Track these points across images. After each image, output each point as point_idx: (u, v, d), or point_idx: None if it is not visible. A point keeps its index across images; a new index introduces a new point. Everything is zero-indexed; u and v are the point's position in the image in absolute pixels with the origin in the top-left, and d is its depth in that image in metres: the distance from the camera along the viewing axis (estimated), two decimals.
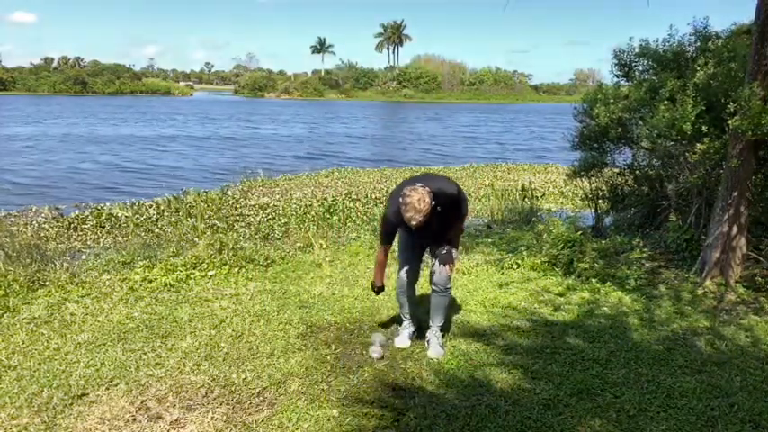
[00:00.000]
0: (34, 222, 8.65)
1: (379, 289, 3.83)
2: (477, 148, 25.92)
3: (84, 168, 17.14)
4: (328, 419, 2.94)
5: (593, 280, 5.06)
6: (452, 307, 4.51)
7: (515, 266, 5.57)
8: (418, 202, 3.19)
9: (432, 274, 3.74)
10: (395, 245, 3.81)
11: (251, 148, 23.95)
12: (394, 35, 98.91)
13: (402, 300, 3.89)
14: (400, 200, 3.26)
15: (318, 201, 10.78)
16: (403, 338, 3.86)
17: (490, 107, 71.28)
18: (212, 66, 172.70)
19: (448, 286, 3.73)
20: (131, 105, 56.07)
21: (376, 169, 16.47)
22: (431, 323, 3.82)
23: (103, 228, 8.39)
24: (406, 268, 3.78)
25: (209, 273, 5.30)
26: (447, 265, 3.61)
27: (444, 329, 3.91)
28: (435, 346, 3.73)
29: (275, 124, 37.98)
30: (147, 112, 46.31)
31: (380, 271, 3.77)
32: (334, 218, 9.03)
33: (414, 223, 3.25)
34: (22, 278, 4.85)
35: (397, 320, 4.25)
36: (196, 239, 6.27)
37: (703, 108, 5.09)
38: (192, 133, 30.00)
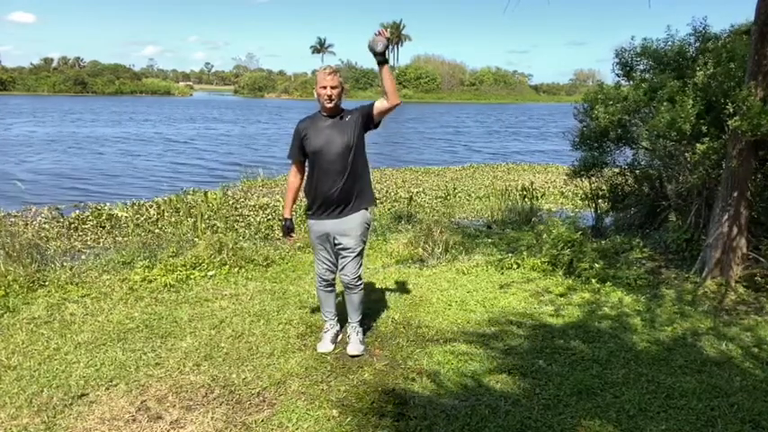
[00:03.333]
0: (34, 222, 8.64)
1: (286, 227, 3.76)
2: (447, 150, 24.64)
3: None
4: (328, 419, 2.93)
5: (594, 280, 5.05)
6: (452, 308, 4.52)
7: (515, 267, 5.57)
8: (330, 65, 3.53)
9: (340, 270, 3.70)
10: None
11: (198, 150, 22.70)
12: (393, 35, 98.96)
13: (322, 296, 3.82)
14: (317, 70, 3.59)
15: None
16: (325, 343, 3.77)
17: (485, 108, 70.88)
18: (212, 66, 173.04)
19: (358, 283, 3.69)
20: (115, 105, 55.17)
21: (376, 169, 16.48)
22: (349, 320, 3.81)
23: (103, 228, 8.38)
24: (320, 263, 3.72)
25: (209, 273, 5.30)
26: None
27: (363, 324, 3.89)
28: (355, 343, 3.71)
29: (238, 125, 37.02)
30: (123, 113, 45.24)
31: (289, 197, 3.73)
32: None
33: (327, 71, 3.44)
34: (21, 278, 4.84)
35: (404, 324, 4.25)
36: (196, 239, 6.27)
37: (703, 108, 5.09)
38: (145, 134, 28.66)
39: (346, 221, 3.55)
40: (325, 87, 3.43)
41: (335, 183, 3.48)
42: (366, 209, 3.63)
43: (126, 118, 40.22)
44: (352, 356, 3.63)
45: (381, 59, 3.33)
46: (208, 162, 19.42)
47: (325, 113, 3.52)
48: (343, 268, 3.65)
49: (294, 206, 3.82)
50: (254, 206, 10.04)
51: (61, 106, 50.85)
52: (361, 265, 3.69)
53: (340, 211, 3.54)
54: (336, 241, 3.60)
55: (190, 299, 4.68)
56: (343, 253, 3.61)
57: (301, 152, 3.58)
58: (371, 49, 3.34)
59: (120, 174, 16.35)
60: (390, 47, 3.45)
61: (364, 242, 3.69)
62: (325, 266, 3.72)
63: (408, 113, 53.06)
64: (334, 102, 3.45)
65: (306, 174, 3.68)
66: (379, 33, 3.33)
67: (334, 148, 3.45)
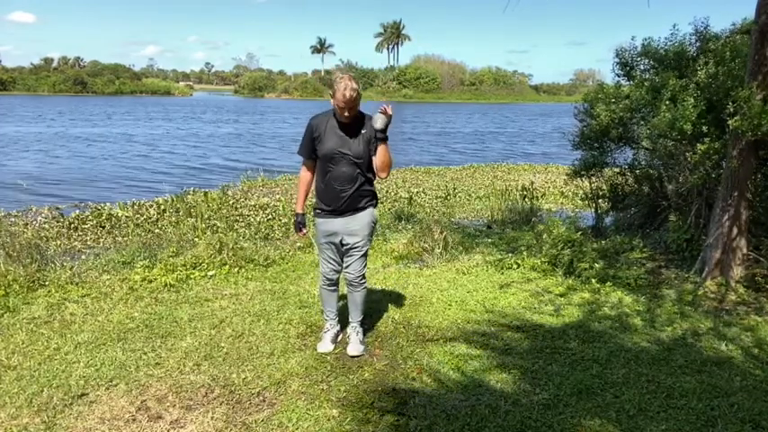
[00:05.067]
0: (34, 222, 8.64)
1: (298, 222, 3.76)
2: (433, 152, 24.25)
3: None
4: (328, 419, 2.93)
5: (594, 280, 5.05)
6: (452, 308, 4.51)
7: (515, 267, 5.56)
8: (349, 78, 3.36)
9: (345, 268, 3.71)
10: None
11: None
12: (393, 35, 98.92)
13: (325, 295, 3.83)
14: (337, 77, 3.39)
15: None
16: (325, 343, 3.77)
17: (484, 107, 70.68)
18: (212, 66, 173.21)
19: (362, 281, 3.70)
20: (114, 105, 54.49)
21: None
22: (350, 319, 3.82)
23: (103, 228, 8.38)
24: (326, 262, 3.72)
25: (209, 273, 5.30)
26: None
27: (363, 324, 3.89)
28: (355, 343, 3.72)
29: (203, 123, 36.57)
30: (124, 113, 44.73)
31: (301, 192, 3.73)
32: None
33: (348, 94, 3.29)
34: (21, 278, 4.84)
35: (410, 324, 4.24)
36: (196, 239, 6.27)
37: (704, 108, 5.09)
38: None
39: (355, 221, 3.58)
40: (343, 108, 3.36)
41: (345, 187, 3.51)
42: (374, 206, 3.66)
43: (130, 118, 40.04)
44: (353, 357, 3.63)
45: (381, 137, 3.43)
46: (208, 162, 19.43)
47: (340, 119, 3.48)
48: (348, 266, 3.68)
49: (306, 201, 3.83)
50: (254, 206, 10.04)
51: (61, 106, 50.76)
52: (365, 264, 3.72)
53: (348, 211, 3.58)
54: (344, 241, 3.62)
55: (190, 299, 4.68)
56: (351, 252, 3.64)
57: (312, 150, 3.57)
58: (372, 127, 3.45)
59: (121, 173, 16.31)
60: (388, 123, 3.45)
61: (370, 241, 3.73)
62: (331, 266, 3.73)
63: (407, 113, 52.98)
64: (352, 114, 3.42)
65: (316, 172, 3.66)
66: (383, 111, 3.41)
67: (346, 155, 3.46)
